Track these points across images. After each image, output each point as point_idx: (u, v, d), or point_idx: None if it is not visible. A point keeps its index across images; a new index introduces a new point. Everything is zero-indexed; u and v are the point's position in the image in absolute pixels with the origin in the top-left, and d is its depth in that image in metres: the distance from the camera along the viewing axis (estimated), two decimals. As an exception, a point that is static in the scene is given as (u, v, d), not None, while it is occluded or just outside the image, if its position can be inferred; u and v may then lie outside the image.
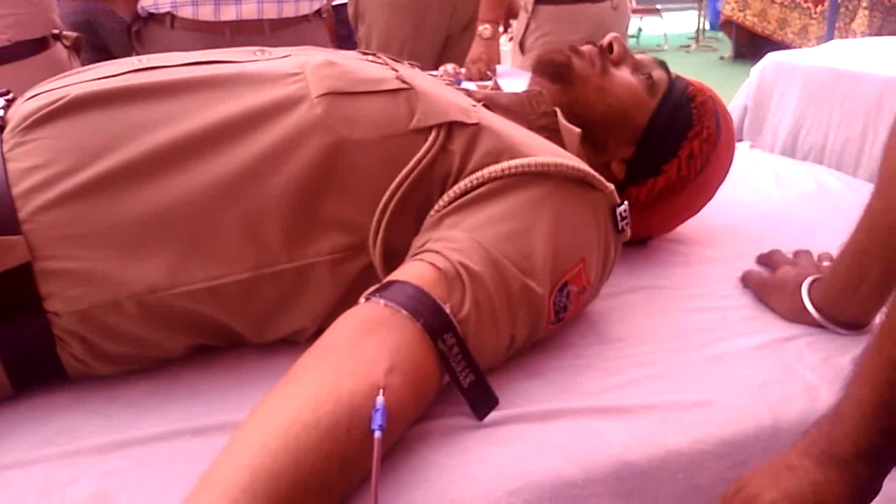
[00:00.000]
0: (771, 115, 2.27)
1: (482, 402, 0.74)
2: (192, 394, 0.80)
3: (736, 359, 0.84)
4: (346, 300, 0.80)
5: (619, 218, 0.89)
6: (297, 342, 0.86)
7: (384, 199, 0.84)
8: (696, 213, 1.16)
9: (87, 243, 0.77)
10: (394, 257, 0.83)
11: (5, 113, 0.85)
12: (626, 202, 0.90)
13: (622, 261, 1.03)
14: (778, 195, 1.41)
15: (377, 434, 0.63)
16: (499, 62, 2.49)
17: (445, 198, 0.84)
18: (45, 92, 0.85)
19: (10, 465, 0.70)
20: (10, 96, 0.90)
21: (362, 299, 0.74)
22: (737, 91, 2.42)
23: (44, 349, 0.78)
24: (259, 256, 0.81)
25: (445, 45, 2.57)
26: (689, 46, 9.15)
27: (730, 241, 1.17)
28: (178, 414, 0.76)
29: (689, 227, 1.19)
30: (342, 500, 0.64)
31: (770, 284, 0.98)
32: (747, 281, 1.03)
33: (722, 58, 8.02)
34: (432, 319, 0.71)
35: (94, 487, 0.67)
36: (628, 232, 0.91)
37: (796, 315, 0.93)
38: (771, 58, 2.34)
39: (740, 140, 2.15)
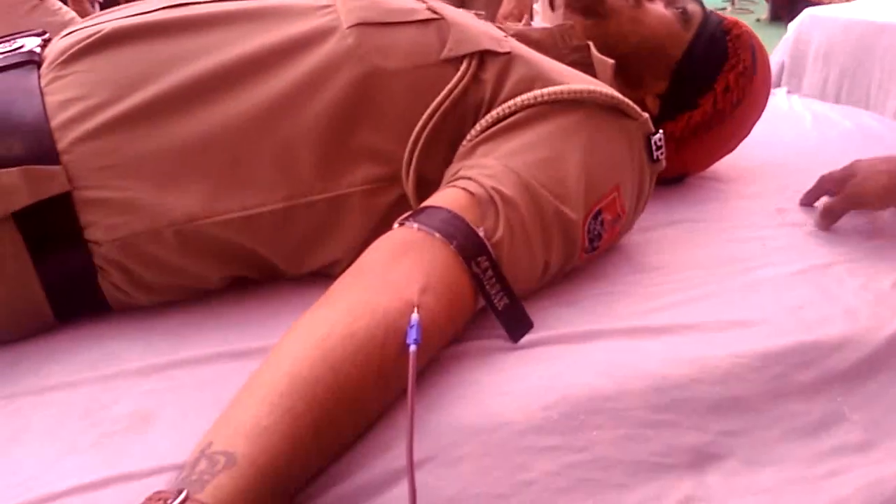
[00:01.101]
0: (808, 70, 2.22)
1: (517, 325, 0.73)
2: (229, 323, 0.80)
3: (775, 284, 0.83)
4: (379, 232, 0.80)
5: (653, 147, 0.87)
6: (331, 275, 0.86)
7: (416, 129, 0.83)
8: (732, 149, 1.14)
9: (126, 173, 0.78)
10: (427, 188, 0.82)
11: (42, 50, 0.85)
12: (660, 131, 0.88)
13: (657, 197, 1.02)
14: (815, 135, 1.38)
15: (412, 348, 0.62)
16: (531, 18, 2.46)
17: (478, 127, 0.83)
18: (80, 29, 0.85)
19: (52, 387, 0.71)
20: (46, 36, 0.91)
21: (396, 224, 0.74)
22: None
23: (85, 279, 0.79)
24: (293, 187, 0.81)
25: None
26: (724, 9, 8.98)
27: (767, 177, 1.15)
28: (215, 340, 0.77)
29: (725, 166, 1.17)
30: (379, 414, 0.64)
31: (851, 175, 0.96)
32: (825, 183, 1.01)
33: (758, 20, 7.86)
34: (466, 242, 0.71)
35: (134, 406, 0.68)
36: (663, 162, 0.89)
37: None
38: (808, 13, 2.29)
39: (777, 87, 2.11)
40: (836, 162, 1.16)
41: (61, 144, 0.77)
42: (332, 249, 0.84)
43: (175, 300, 0.84)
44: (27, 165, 0.74)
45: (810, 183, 1.07)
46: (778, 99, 1.62)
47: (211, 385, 0.70)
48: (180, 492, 0.50)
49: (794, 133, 1.39)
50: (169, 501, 0.49)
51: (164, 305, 0.83)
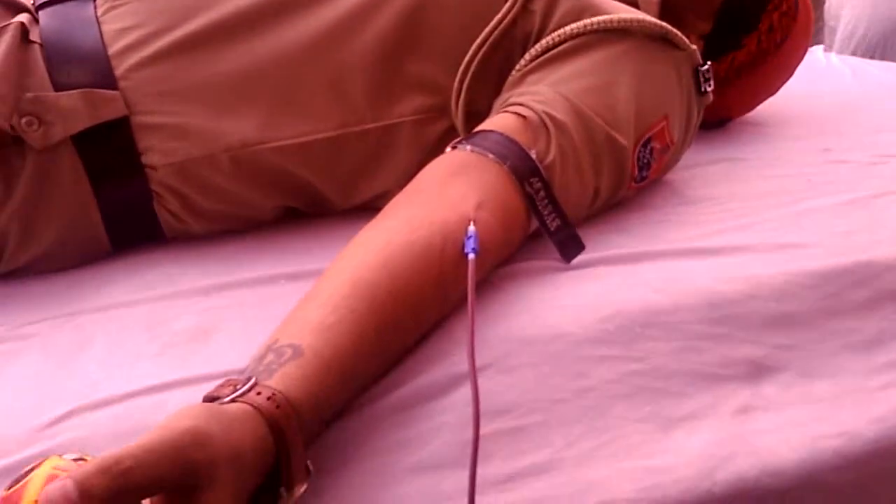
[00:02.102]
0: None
1: (569, 246, 0.73)
2: (282, 250, 0.81)
3: (823, 213, 0.82)
4: (429, 162, 0.80)
5: (701, 79, 0.86)
6: (380, 208, 0.86)
7: (466, 59, 0.83)
8: (774, 92, 1.12)
9: (182, 99, 0.78)
10: (476, 119, 0.82)
11: (96, -17, 0.86)
12: (708, 63, 0.87)
13: (701, 138, 1.02)
14: (856, 87, 1.36)
15: (471, 256, 0.62)
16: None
17: (527, 56, 0.82)
18: None
19: (112, 305, 0.72)
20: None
21: (448, 148, 0.74)
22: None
23: (141, 205, 0.79)
24: (345, 115, 0.81)
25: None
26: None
27: (810, 122, 1.14)
28: (270, 264, 0.77)
29: (766, 112, 1.16)
30: (437, 324, 0.64)
31: None
32: None
33: None
34: (518, 163, 0.71)
35: (195, 321, 0.69)
36: (711, 95, 0.88)
37: None
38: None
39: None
40: (879, 111, 1.15)
41: (119, 71, 0.78)
42: (383, 179, 0.84)
43: (228, 229, 0.84)
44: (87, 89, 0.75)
45: (854, 128, 1.06)
46: (815, 55, 1.60)
47: (269, 303, 0.70)
48: (249, 379, 0.50)
49: (834, 86, 1.37)
50: (238, 387, 0.49)
51: (217, 235, 0.84)
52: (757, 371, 0.64)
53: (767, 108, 1.15)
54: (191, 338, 0.66)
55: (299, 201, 0.85)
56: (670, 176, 0.92)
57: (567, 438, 0.57)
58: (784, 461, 0.57)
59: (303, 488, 0.51)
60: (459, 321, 0.64)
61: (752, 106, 1.13)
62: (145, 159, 0.77)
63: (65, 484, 0.37)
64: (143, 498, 0.42)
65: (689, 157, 0.95)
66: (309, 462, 0.51)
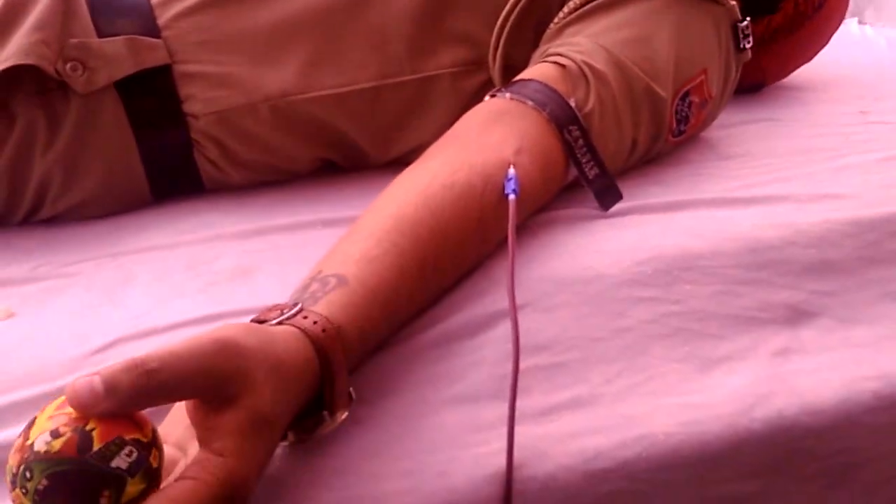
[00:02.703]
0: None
1: (607, 194, 0.73)
2: (319, 199, 0.81)
3: (862, 168, 0.81)
4: (467, 115, 0.80)
5: (741, 35, 0.86)
6: (416, 163, 0.86)
7: (504, 13, 0.83)
8: (810, 58, 1.11)
9: (223, 48, 0.79)
10: (513, 73, 0.81)
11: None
12: (748, 19, 0.86)
13: (737, 101, 1.01)
14: (892, 56, 1.35)
15: (511, 197, 0.63)
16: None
17: (566, 9, 0.82)
18: None
19: (154, 247, 0.73)
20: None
21: (488, 96, 0.74)
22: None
23: (182, 153, 0.80)
24: (383, 66, 0.81)
25: None
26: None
27: (847, 86, 1.13)
28: (308, 211, 0.78)
29: (802, 78, 1.15)
30: (477, 263, 0.64)
31: None
32: None
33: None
34: (558, 111, 0.71)
35: (235, 262, 0.69)
36: (749, 52, 0.88)
37: None
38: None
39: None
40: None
41: (161, 20, 0.78)
42: (420, 132, 0.84)
43: (267, 180, 0.85)
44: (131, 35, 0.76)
45: (891, 93, 1.04)
46: (850, 27, 1.58)
47: (306, 246, 0.70)
48: (296, 304, 0.51)
49: (870, 55, 1.35)
50: (285, 311, 0.50)
51: (256, 186, 0.85)
52: (796, 315, 0.64)
53: (803, 74, 1.14)
54: (231, 276, 0.67)
55: (336, 153, 0.85)
56: (707, 134, 0.91)
57: (605, 375, 0.57)
58: (823, 401, 0.57)
59: (345, 414, 0.51)
60: (499, 263, 0.64)
61: (787, 71, 1.12)
62: (186, 107, 0.78)
63: (92, 379, 0.38)
64: (169, 401, 0.42)
65: (726, 117, 0.94)
66: (351, 389, 0.52)
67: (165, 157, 0.80)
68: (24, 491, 0.37)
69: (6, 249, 0.75)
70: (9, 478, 0.38)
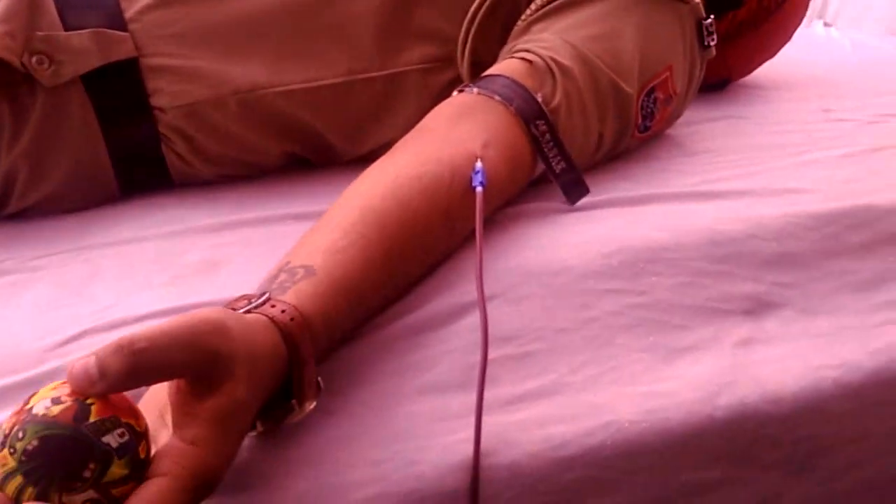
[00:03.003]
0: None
1: (574, 188, 0.73)
2: (290, 194, 0.81)
3: (824, 164, 0.83)
4: (435, 110, 0.81)
5: (705, 33, 0.87)
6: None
7: (472, 9, 0.83)
8: (774, 54, 1.13)
9: (190, 42, 0.78)
10: (481, 69, 0.82)
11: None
12: (712, 16, 0.88)
13: (702, 98, 1.02)
14: (856, 58, 1.37)
15: (479, 189, 0.63)
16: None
17: (533, 6, 0.83)
18: None
19: (121, 241, 0.73)
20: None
21: (455, 92, 0.74)
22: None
23: (150, 147, 0.80)
24: (352, 62, 0.82)
25: None
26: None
27: (811, 85, 1.15)
28: (277, 206, 0.78)
29: (767, 76, 1.17)
30: (444, 256, 0.64)
31: None
32: None
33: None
34: (524, 105, 0.71)
35: (203, 256, 0.69)
36: (713, 49, 0.89)
37: None
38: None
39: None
40: (879, 76, 1.16)
41: (128, 14, 0.78)
42: (389, 128, 0.84)
43: (236, 175, 0.85)
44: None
45: (854, 91, 1.06)
46: (815, 29, 1.61)
47: (276, 240, 0.70)
48: (263, 294, 0.51)
49: (834, 56, 1.38)
50: (252, 300, 0.50)
51: (225, 180, 0.84)
52: (758, 307, 0.65)
53: (767, 72, 1.16)
54: (199, 270, 0.67)
55: (306, 149, 0.85)
56: (672, 131, 0.92)
57: (571, 365, 0.58)
58: (785, 389, 0.58)
59: (313, 404, 0.51)
60: (467, 255, 0.65)
61: (751, 67, 1.14)
62: (154, 101, 0.78)
63: (87, 360, 0.38)
64: (161, 379, 0.42)
65: (691, 114, 0.96)
66: (320, 379, 0.52)
67: (133, 151, 0.79)
68: (11, 451, 0.37)
69: (-29, 244, 0.75)
70: None
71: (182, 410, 0.42)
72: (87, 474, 0.38)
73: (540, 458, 0.52)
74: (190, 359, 0.41)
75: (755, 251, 0.67)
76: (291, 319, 0.49)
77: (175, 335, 0.40)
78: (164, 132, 0.79)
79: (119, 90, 0.77)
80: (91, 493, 0.38)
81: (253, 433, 0.51)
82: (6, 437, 0.38)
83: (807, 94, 1.10)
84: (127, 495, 0.39)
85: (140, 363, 0.39)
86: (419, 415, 0.54)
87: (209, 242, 0.71)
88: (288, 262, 0.55)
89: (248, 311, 0.49)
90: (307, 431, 0.52)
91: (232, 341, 0.43)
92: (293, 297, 0.51)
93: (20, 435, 0.38)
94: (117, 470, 0.38)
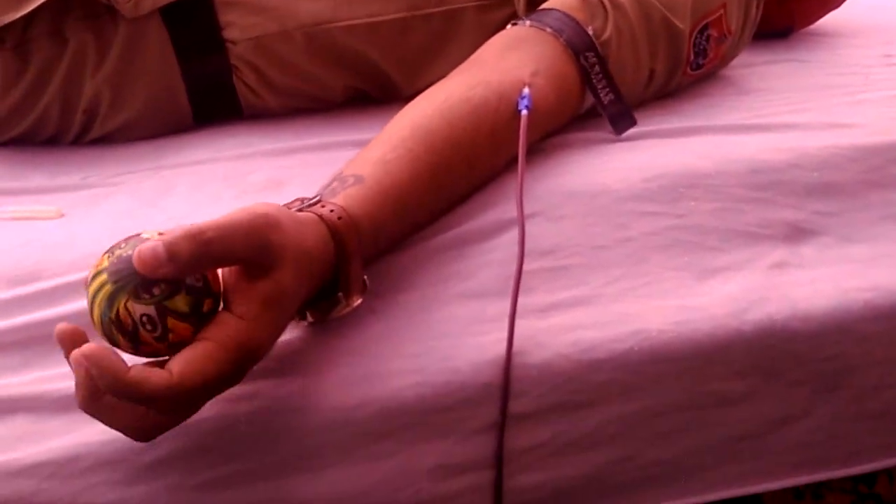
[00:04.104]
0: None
1: (621, 120, 0.74)
2: (351, 124, 0.84)
3: (876, 103, 0.82)
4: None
5: (762, -27, 0.87)
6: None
7: None
8: (839, 4, 1.11)
9: (260, -22, 0.82)
10: (537, 6, 0.84)
11: None
12: (769, -44, 0.87)
13: (763, 43, 1.02)
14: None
15: (524, 112, 0.65)
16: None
17: (588, -56, 0.84)
18: None
19: (193, 162, 0.78)
20: None
21: (509, 25, 0.76)
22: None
23: (221, 78, 0.84)
24: None
25: None
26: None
27: (874, 33, 1.12)
28: (339, 134, 0.81)
29: (829, 23, 1.15)
30: (488, 177, 0.67)
31: None
32: None
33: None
34: (575, 37, 0.73)
35: (268, 176, 0.73)
36: (771, -12, 0.88)
37: None
38: None
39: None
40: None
41: None
42: (446, 64, 0.86)
43: (301, 107, 0.88)
44: None
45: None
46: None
47: (337, 163, 0.72)
48: (315, 196, 0.54)
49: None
50: (306, 202, 0.54)
51: (291, 112, 0.88)
52: (796, 233, 0.65)
53: (832, 19, 1.14)
54: (264, 187, 0.71)
55: (367, 83, 0.88)
56: (727, 71, 0.92)
57: (606, 279, 0.60)
58: (815, 307, 0.59)
59: (359, 300, 0.55)
60: (510, 178, 0.67)
61: (815, 16, 1.12)
62: (226, 34, 0.82)
63: (156, 245, 0.42)
64: (220, 265, 0.46)
65: (749, 57, 0.96)
66: (366, 278, 0.56)
67: (206, 81, 0.84)
68: (109, 255, 0.45)
69: (59, 164, 0.81)
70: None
71: (235, 290, 0.46)
72: (155, 291, 0.43)
73: (569, 360, 0.55)
74: (246, 248, 0.45)
75: (797, 180, 0.68)
76: (339, 218, 0.52)
77: (236, 227, 0.44)
78: (235, 63, 0.83)
79: (194, 23, 0.81)
80: (151, 310, 0.43)
81: (304, 323, 0.55)
82: (113, 247, 0.45)
83: (870, 41, 1.08)
84: (176, 334, 0.44)
85: (206, 251, 0.43)
86: (457, 317, 0.57)
87: (274, 164, 0.75)
88: (341, 172, 0.59)
89: (301, 210, 0.53)
90: (352, 326, 0.56)
91: (283, 234, 0.47)
92: (342, 199, 0.54)
93: (122, 245, 0.45)
94: (181, 302, 0.44)
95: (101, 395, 0.42)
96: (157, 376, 0.41)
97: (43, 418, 0.51)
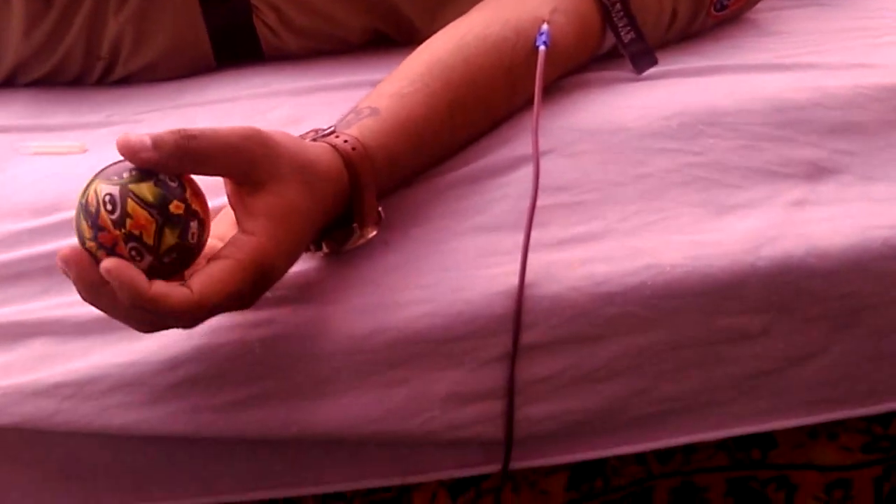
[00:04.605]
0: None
1: (642, 59, 0.73)
2: (371, 65, 0.83)
3: (903, 44, 0.81)
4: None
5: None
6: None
7: None
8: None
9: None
10: None
11: None
12: None
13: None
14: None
15: (542, 48, 0.65)
16: None
17: None
18: None
19: (214, 101, 0.78)
20: None
21: (529, -36, 0.75)
22: None
23: (242, 19, 0.83)
24: None
25: None
26: None
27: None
28: (360, 74, 0.81)
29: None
30: (505, 115, 0.67)
31: None
32: None
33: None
34: (596, -25, 0.72)
35: (287, 113, 0.73)
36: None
37: None
38: None
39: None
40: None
41: None
42: (466, 5, 0.85)
43: (321, 49, 0.88)
44: None
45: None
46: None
47: (356, 101, 0.73)
48: (330, 127, 0.54)
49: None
50: (319, 132, 0.54)
51: (311, 54, 0.88)
52: (816, 172, 0.64)
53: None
54: (284, 124, 0.70)
55: (387, 24, 0.87)
56: (750, 15, 0.90)
57: (621, 214, 0.60)
58: (832, 244, 0.58)
59: (374, 232, 0.55)
60: (527, 117, 0.66)
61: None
62: (246, -27, 0.81)
63: (142, 135, 0.43)
64: (203, 171, 0.46)
65: (771, 1, 0.94)
66: (381, 209, 0.56)
67: (226, 20, 0.83)
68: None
69: (83, 103, 0.81)
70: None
71: (241, 209, 0.46)
72: (125, 175, 0.44)
73: (581, 292, 0.55)
74: (230, 158, 0.46)
75: (819, 119, 0.67)
76: (353, 149, 0.52)
77: (222, 135, 0.45)
78: (256, 4, 0.82)
79: None
80: (115, 189, 0.44)
81: (319, 253, 0.55)
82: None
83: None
84: (135, 221, 0.43)
85: (188, 147, 0.44)
86: (470, 249, 0.57)
87: (294, 103, 0.75)
88: (357, 105, 0.58)
89: (315, 140, 0.53)
90: (365, 257, 0.56)
91: (275, 149, 0.48)
92: (356, 130, 0.54)
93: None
94: (146, 190, 0.44)
95: (104, 283, 0.43)
96: (179, 293, 0.42)
97: (63, 341, 0.52)
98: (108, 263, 0.41)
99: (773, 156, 0.64)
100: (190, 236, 0.45)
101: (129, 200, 0.43)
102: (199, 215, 0.45)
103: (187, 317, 0.43)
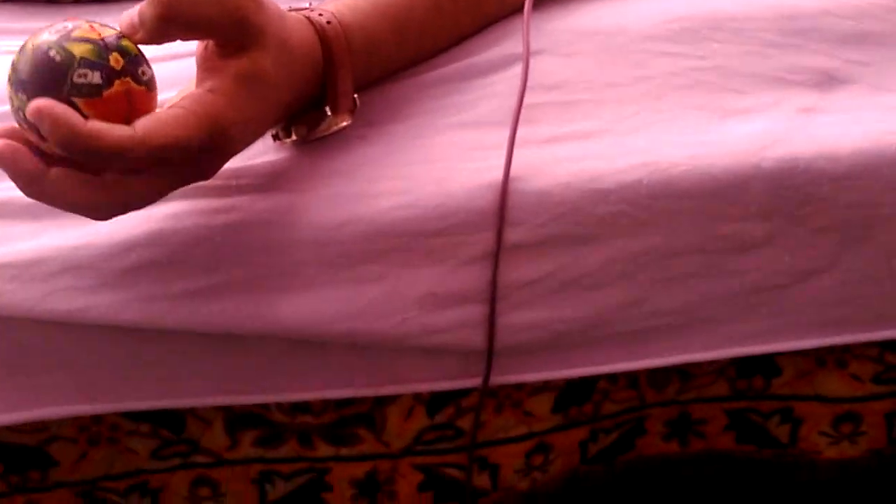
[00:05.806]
0: None
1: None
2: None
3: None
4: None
5: None
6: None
7: None
8: None
9: None
10: None
11: None
12: None
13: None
14: None
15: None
16: None
17: None
18: None
19: None
20: None
21: None
22: None
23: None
24: None
25: None
26: None
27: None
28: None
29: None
30: (495, 18, 0.62)
31: None
32: None
33: None
34: None
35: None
36: None
37: None
38: None
39: None
40: None
41: None
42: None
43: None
44: None
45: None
46: None
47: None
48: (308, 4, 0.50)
49: None
50: (294, 6, 0.50)
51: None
52: (827, 80, 0.60)
53: None
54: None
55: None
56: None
57: (618, 115, 0.55)
58: (843, 147, 0.54)
59: (347, 121, 0.51)
60: (519, 18, 0.61)
61: None
62: None
63: (133, 12, 0.41)
64: (193, 34, 0.43)
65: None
66: (356, 97, 0.51)
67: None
68: None
69: (61, 14, 0.76)
70: None
71: (206, 66, 0.42)
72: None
73: (571, 188, 0.50)
74: (219, 16, 0.41)
75: (830, 27, 0.62)
76: (328, 23, 0.48)
77: None
78: None
79: None
80: (52, 40, 0.39)
81: (288, 140, 0.51)
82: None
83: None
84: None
85: (171, 11, 0.39)
86: (453, 144, 0.53)
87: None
88: (337, -12, 0.54)
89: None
90: (340, 149, 0.52)
91: (265, 17, 0.43)
92: (332, 5, 0.50)
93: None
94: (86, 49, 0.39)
95: (45, 172, 0.39)
96: (119, 129, 0.38)
97: (9, 224, 0.48)
98: (36, 103, 0.37)
99: (780, 63, 0.60)
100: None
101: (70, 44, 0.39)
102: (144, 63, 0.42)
103: (129, 159, 0.38)
